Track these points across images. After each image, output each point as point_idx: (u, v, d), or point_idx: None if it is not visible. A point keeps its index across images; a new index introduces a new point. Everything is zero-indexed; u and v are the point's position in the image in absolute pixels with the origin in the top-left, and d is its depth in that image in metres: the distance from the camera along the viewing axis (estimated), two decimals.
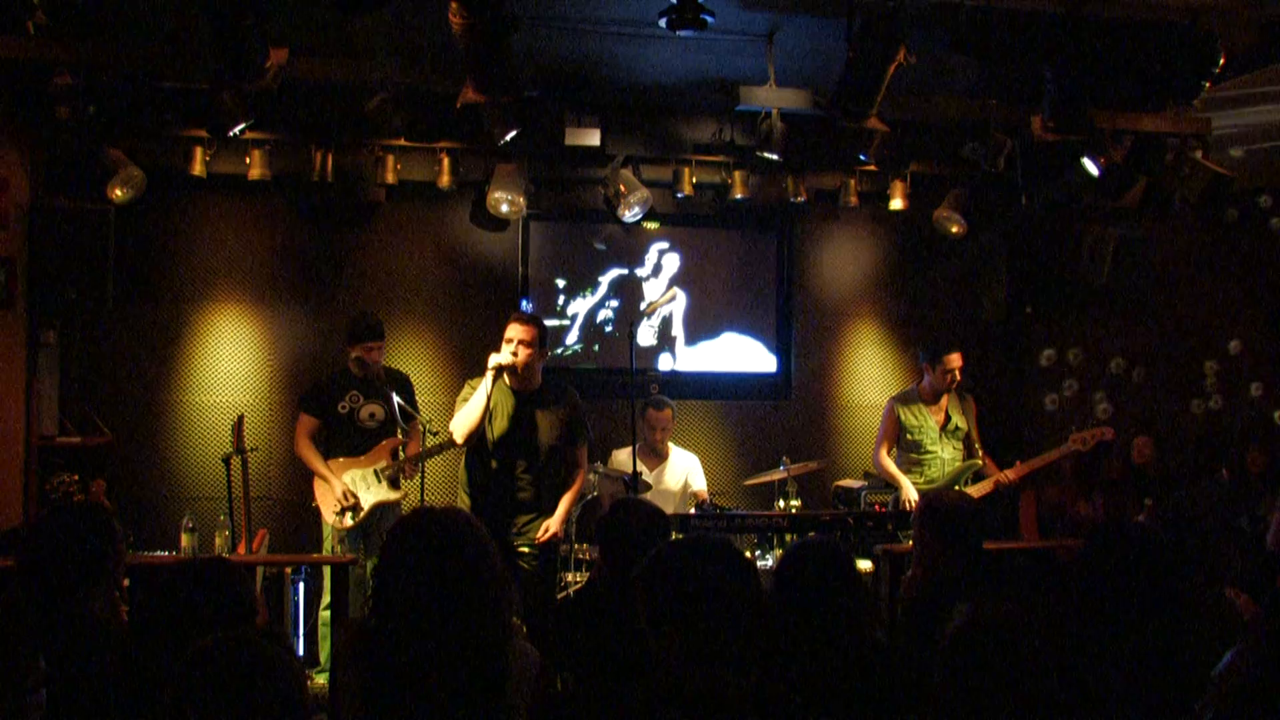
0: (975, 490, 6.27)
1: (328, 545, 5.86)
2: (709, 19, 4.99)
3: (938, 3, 5.07)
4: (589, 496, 6.06)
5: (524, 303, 7.19)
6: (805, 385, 7.69)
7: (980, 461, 6.40)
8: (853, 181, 7.12)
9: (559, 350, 7.28)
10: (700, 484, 6.76)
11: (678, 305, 7.44)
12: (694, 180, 6.92)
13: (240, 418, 6.03)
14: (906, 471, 6.33)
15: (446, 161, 6.55)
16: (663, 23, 5.05)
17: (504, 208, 6.75)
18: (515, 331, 5.24)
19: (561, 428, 5.34)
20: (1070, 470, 6.71)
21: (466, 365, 6.24)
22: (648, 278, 7.45)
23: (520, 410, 5.29)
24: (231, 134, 5.79)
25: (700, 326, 7.52)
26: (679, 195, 6.99)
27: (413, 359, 7.07)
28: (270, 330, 6.96)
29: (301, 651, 5.96)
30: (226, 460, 5.92)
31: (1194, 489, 6.56)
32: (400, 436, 5.87)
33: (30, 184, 6.15)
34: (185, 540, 5.44)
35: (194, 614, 2.54)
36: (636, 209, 6.85)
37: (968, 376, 6.52)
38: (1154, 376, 7.52)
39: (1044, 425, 7.56)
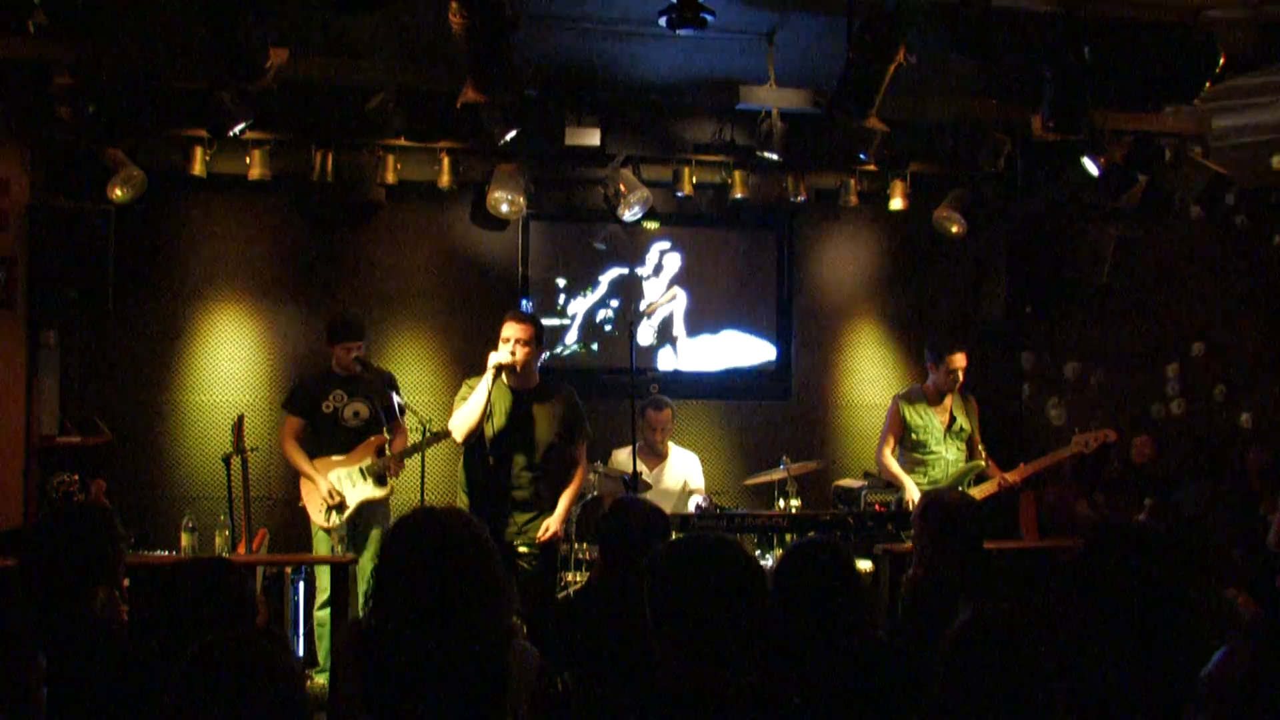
0: (978, 492, 6.25)
1: (316, 544, 5.87)
2: (709, 18, 4.99)
3: (938, 3, 5.07)
4: (589, 496, 6.06)
5: (524, 302, 7.19)
6: (805, 385, 7.69)
7: (984, 463, 6.37)
8: (853, 181, 7.12)
9: (559, 350, 7.27)
10: (698, 483, 6.76)
11: (679, 304, 7.43)
12: (694, 180, 6.93)
13: (240, 418, 6.03)
14: (909, 472, 6.29)
15: (446, 161, 6.55)
16: (663, 22, 5.06)
17: (504, 208, 6.75)
18: (512, 330, 5.24)
19: (560, 425, 5.35)
20: (1070, 470, 6.71)
21: (466, 365, 6.24)
22: (648, 277, 7.45)
23: (518, 408, 5.29)
24: (231, 134, 5.80)
25: (700, 326, 7.51)
26: (679, 195, 7.00)
27: (412, 358, 7.08)
28: (270, 330, 6.95)
29: (301, 651, 5.96)
30: (226, 460, 5.92)
31: (1194, 489, 6.57)
32: (385, 434, 5.87)
33: (30, 184, 6.15)
34: (185, 540, 5.44)
35: (194, 614, 2.54)
36: (636, 209, 6.85)
37: (967, 376, 6.51)
38: (1119, 379, 7.52)
39: (1044, 425, 7.57)
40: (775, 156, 6.32)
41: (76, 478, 5.87)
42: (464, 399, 5.30)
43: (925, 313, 7.75)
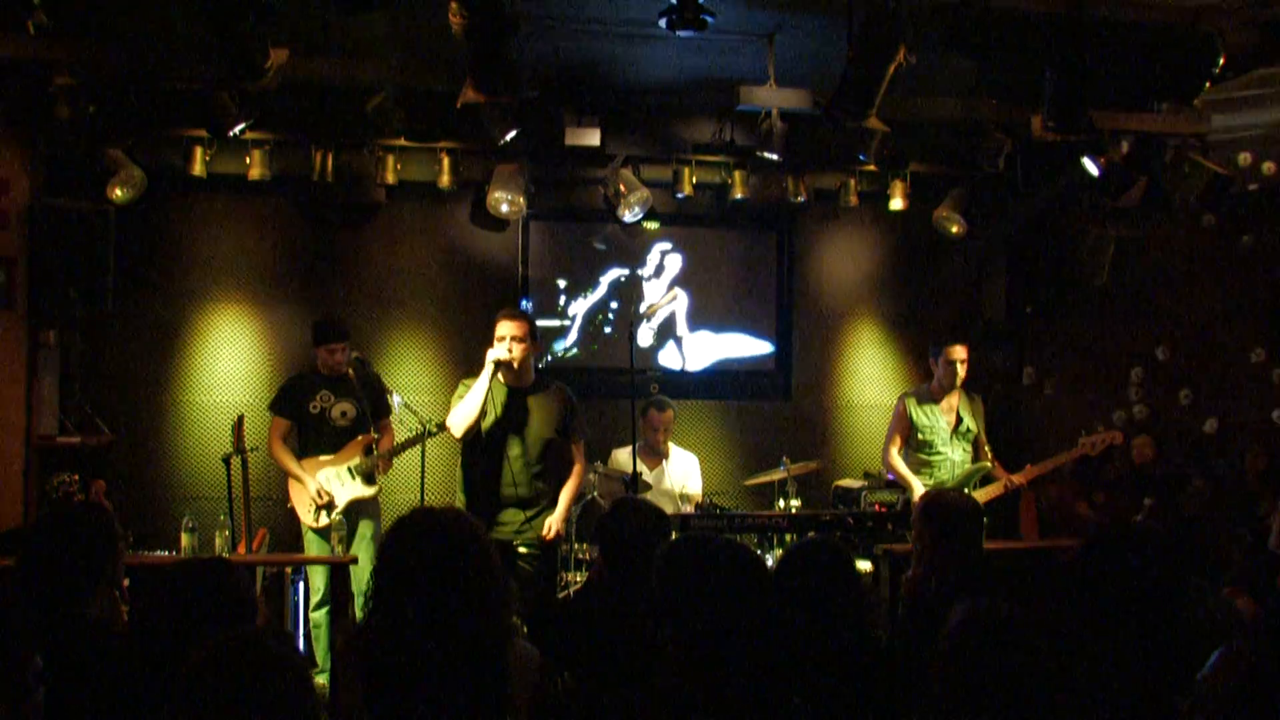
0: (984, 494, 6.23)
1: (306, 545, 5.88)
2: (709, 19, 4.99)
3: (938, 3, 5.06)
4: (589, 496, 6.06)
5: (524, 303, 7.19)
6: (805, 385, 7.69)
7: (990, 464, 6.34)
8: (853, 181, 7.12)
9: (560, 350, 7.28)
10: (696, 487, 6.75)
11: (680, 304, 7.43)
12: (694, 180, 6.93)
13: (240, 418, 6.03)
14: (915, 472, 6.27)
15: (446, 161, 6.56)
16: (663, 23, 5.05)
17: (504, 208, 6.75)
18: (507, 328, 5.26)
19: (557, 421, 5.36)
20: (1070, 470, 6.70)
21: (466, 364, 6.25)
22: (649, 278, 7.45)
23: (515, 405, 5.31)
24: (231, 134, 5.79)
25: (701, 326, 7.51)
26: (679, 195, 7.00)
27: (412, 358, 7.08)
28: (270, 330, 6.96)
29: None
30: (226, 460, 5.92)
31: (1193, 490, 6.56)
32: (373, 434, 5.88)
33: (30, 184, 6.15)
34: (185, 540, 5.44)
35: (194, 614, 2.54)
36: (636, 209, 6.85)
37: (969, 375, 6.48)
38: (1081, 387, 7.53)
39: (1043, 426, 7.56)
40: (775, 157, 6.32)
41: (76, 478, 5.87)
42: (461, 398, 5.31)
43: (925, 313, 7.75)
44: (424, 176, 6.60)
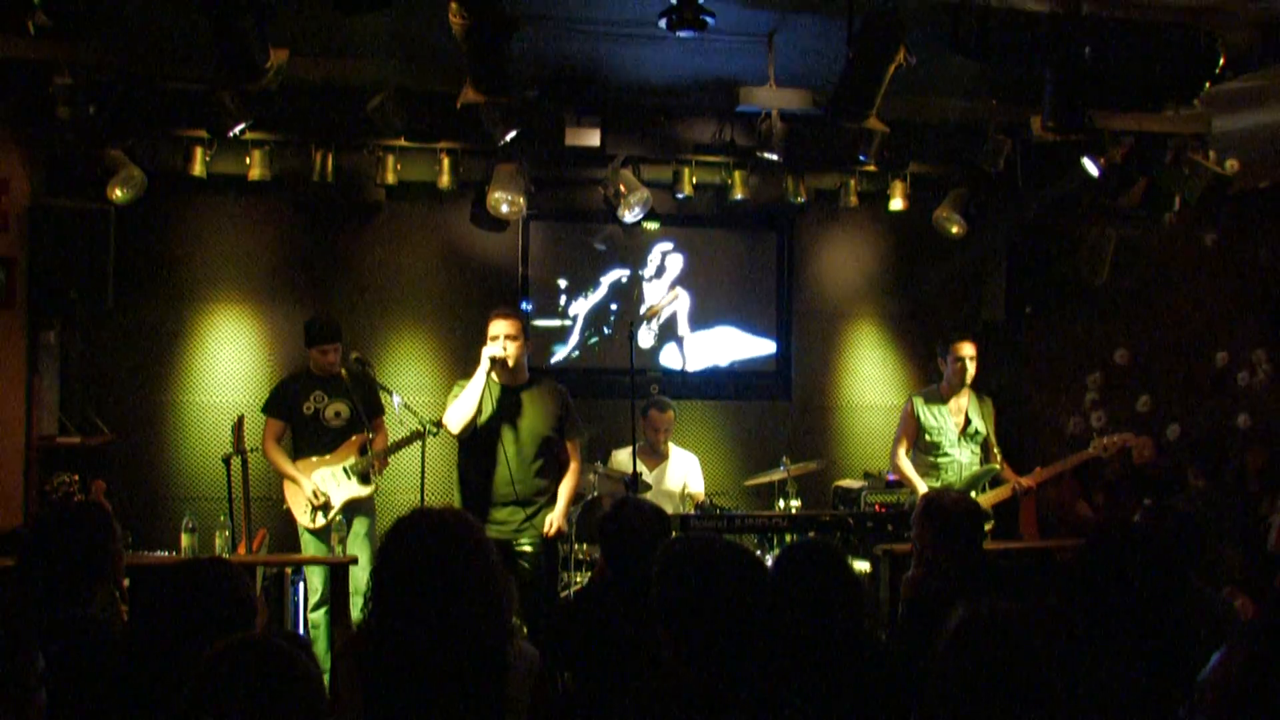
0: (992, 495, 6.21)
1: (303, 546, 5.88)
2: (709, 19, 4.98)
3: (938, 3, 5.06)
4: (589, 496, 6.06)
5: (524, 303, 7.19)
6: (805, 385, 7.69)
7: (998, 466, 6.31)
8: (853, 181, 7.12)
9: (561, 351, 7.28)
10: (698, 486, 6.75)
11: (682, 304, 7.42)
12: (694, 180, 6.92)
13: (240, 418, 6.03)
14: (923, 475, 6.23)
15: (446, 161, 6.55)
16: (663, 23, 5.05)
17: (504, 208, 6.75)
18: (502, 327, 5.27)
19: (553, 419, 5.37)
20: (1070, 471, 6.69)
21: (466, 365, 6.24)
22: (651, 279, 7.45)
23: (510, 404, 5.32)
24: (231, 134, 5.79)
25: (701, 326, 7.51)
26: (679, 195, 6.99)
27: (412, 358, 7.08)
28: (270, 330, 6.96)
29: None
30: (226, 460, 5.92)
31: (1193, 491, 6.56)
32: (368, 434, 5.88)
33: (30, 184, 6.15)
34: (185, 540, 5.44)
35: (194, 614, 2.54)
36: (637, 209, 6.84)
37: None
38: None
39: (1044, 426, 7.56)
40: (775, 157, 6.31)
41: (76, 478, 5.87)
42: (456, 398, 5.32)
43: (925, 313, 7.75)
44: (424, 176, 6.60)
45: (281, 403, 5.97)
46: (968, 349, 6.24)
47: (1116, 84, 6.07)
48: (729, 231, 7.58)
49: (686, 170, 6.91)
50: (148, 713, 2.43)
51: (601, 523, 3.69)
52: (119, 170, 6.11)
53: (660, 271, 7.46)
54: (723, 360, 7.54)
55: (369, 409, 5.98)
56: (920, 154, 7.03)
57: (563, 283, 7.34)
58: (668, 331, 7.47)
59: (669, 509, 5.60)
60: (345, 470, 5.87)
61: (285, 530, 6.45)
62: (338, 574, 5.46)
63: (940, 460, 6.28)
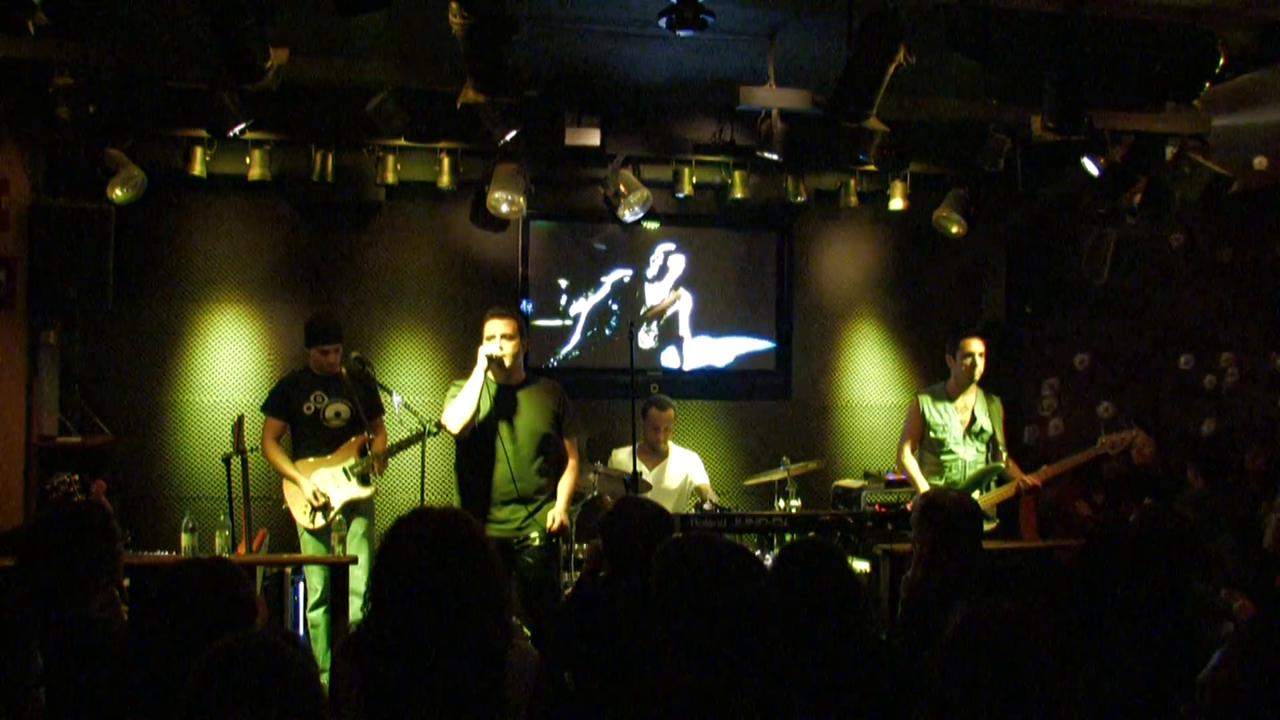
0: (997, 494, 6.19)
1: (303, 546, 5.88)
2: (709, 19, 4.98)
3: (938, 3, 5.06)
4: (589, 496, 6.06)
5: (524, 303, 7.19)
6: (805, 385, 7.69)
7: (1004, 465, 6.26)
8: (853, 181, 7.12)
9: (561, 351, 7.28)
10: (702, 479, 6.76)
11: (684, 304, 7.42)
12: (694, 180, 6.93)
13: (240, 418, 6.02)
14: (929, 473, 6.20)
15: (446, 161, 6.55)
16: (663, 23, 5.05)
17: (504, 208, 6.75)
18: (498, 327, 5.27)
19: (550, 416, 5.37)
20: (1070, 470, 6.69)
21: (466, 365, 6.25)
22: (653, 279, 7.45)
23: (507, 403, 5.32)
24: (231, 134, 5.79)
25: (701, 326, 7.51)
26: (679, 195, 7.00)
27: (412, 358, 7.08)
28: (270, 330, 6.96)
29: None
30: (226, 460, 5.92)
31: (1192, 491, 6.56)
32: (367, 434, 5.88)
33: (30, 184, 6.15)
34: (185, 540, 5.44)
35: (194, 614, 2.54)
36: (637, 209, 6.84)
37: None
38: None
39: (1044, 426, 7.56)
40: (775, 157, 6.31)
41: (76, 478, 5.87)
42: (454, 398, 5.32)
43: (925, 313, 7.75)
44: (424, 176, 6.60)
45: (281, 402, 5.97)
46: (976, 345, 6.21)
47: (1116, 84, 6.07)
48: (729, 231, 7.58)
49: (686, 170, 6.91)
50: (147, 712, 2.43)
51: (603, 521, 3.69)
52: (119, 170, 6.11)
53: (663, 272, 7.46)
54: (722, 360, 7.53)
55: (369, 409, 5.97)
56: (920, 154, 7.04)
57: (563, 283, 7.34)
58: (669, 332, 7.46)
59: (669, 508, 5.61)
60: (345, 471, 5.87)
61: (285, 530, 6.45)
62: (337, 574, 5.46)
63: (945, 458, 6.25)
